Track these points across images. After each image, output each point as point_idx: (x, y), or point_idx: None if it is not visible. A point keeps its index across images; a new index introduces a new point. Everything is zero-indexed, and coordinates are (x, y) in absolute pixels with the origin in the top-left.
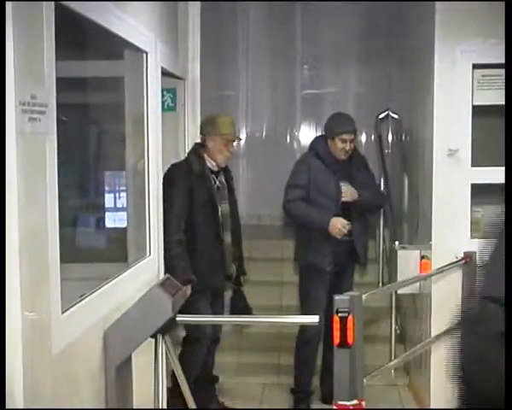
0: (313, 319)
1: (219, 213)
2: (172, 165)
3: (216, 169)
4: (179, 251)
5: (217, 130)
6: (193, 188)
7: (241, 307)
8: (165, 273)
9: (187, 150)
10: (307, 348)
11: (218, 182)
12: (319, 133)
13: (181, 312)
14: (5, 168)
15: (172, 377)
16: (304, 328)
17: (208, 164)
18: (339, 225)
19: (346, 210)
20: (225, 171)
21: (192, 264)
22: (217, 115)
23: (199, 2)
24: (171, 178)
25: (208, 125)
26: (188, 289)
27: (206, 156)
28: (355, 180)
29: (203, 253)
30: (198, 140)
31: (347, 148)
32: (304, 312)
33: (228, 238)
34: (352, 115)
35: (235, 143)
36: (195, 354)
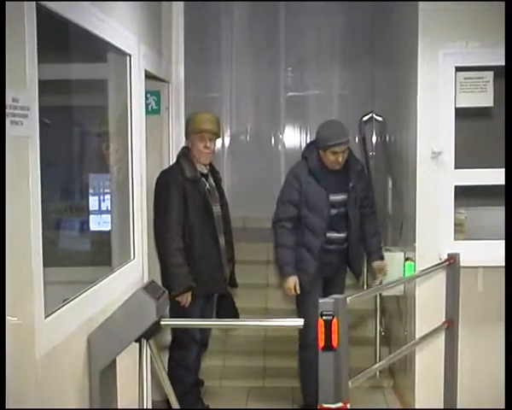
0: (298, 322)
1: (214, 216)
2: (164, 171)
3: (205, 172)
4: (179, 259)
5: (195, 127)
6: (187, 193)
7: (230, 310)
8: (164, 280)
9: (171, 153)
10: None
11: (208, 185)
12: (303, 135)
13: (173, 316)
14: (5, 171)
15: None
16: (305, 333)
17: (198, 167)
18: (291, 285)
19: (341, 220)
20: (213, 173)
21: (191, 269)
22: (196, 113)
23: (182, 4)
24: (164, 185)
25: (188, 124)
26: (188, 297)
27: (193, 159)
28: (353, 190)
29: (202, 258)
30: (183, 143)
31: (340, 159)
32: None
33: (222, 241)
34: (340, 120)
35: (217, 142)
36: (185, 359)
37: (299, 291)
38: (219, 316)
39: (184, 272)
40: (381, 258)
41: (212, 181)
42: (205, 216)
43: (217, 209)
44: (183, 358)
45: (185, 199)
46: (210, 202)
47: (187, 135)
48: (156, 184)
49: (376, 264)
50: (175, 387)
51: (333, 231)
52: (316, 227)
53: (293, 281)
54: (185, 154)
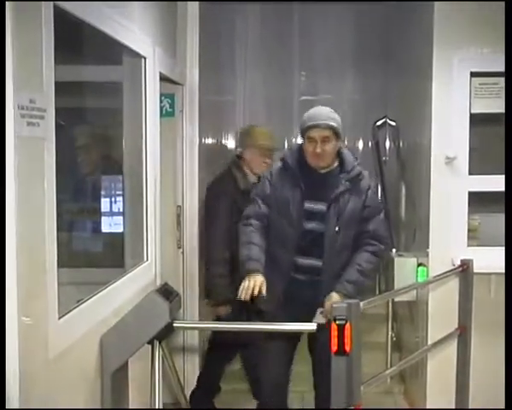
0: (311, 326)
1: None
2: (215, 180)
3: (256, 181)
4: (222, 270)
5: (255, 141)
6: (238, 202)
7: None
8: (206, 290)
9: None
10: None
11: None
12: None
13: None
14: (5, 172)
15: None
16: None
17: (250, 178)
18: (257, 283)
19: (318, 241)
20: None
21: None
22: (253, 126)
23: (197, 8)
24: (215, 194)
25: (245, 137)
26: (225, 309)
27: (246, 169)
28: (337, 203)
29: None
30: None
31: (318, 149)
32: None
33: None
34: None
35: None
36: (220, 361)
37: (264, 291)
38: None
39: (225, 283)
40: (342, 293)
41: None
42: None
43: None
44: (219, 360)
45: (236, 209)
46: None
47: (243, 146)
48: (207, 192)
49: (328, 299)
50: (200, 385)
51: (303, 254)
52: (285, 238)
53: (259, 280)
54: (237, 163)
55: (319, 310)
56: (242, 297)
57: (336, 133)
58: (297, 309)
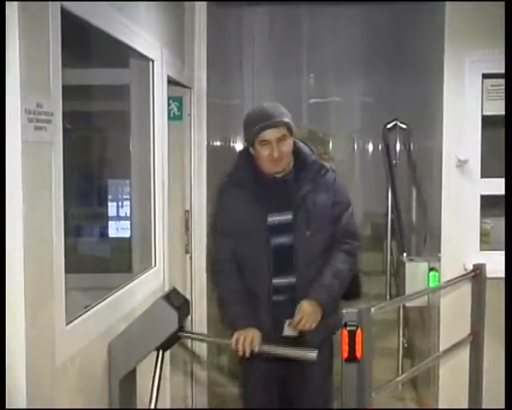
0: (310, 354)
1: None
2: None
3: None
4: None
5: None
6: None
7: None
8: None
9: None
10: None
11: None
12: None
13: None
14: (5, 176)
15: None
16: None
17: None
18: (248, 338)
19: (290, 255)
20: None
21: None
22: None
23: (205, 10)
24: None
25: None
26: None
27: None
28: (304, 206)
29: None
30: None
31: (275, 153)
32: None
33: None
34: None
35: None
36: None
37: (256, 348)
38: None
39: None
40: (315, 301)
41: None
42: None
43: None
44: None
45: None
46: None
47: None
48: None
49: (298, 308)
50: None
51: (278, 274)
52: (256, 261)
53: (250, 334)
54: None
55: (287, 322)
56: (239, 352)
57: (290, 129)
58: (279, 335)
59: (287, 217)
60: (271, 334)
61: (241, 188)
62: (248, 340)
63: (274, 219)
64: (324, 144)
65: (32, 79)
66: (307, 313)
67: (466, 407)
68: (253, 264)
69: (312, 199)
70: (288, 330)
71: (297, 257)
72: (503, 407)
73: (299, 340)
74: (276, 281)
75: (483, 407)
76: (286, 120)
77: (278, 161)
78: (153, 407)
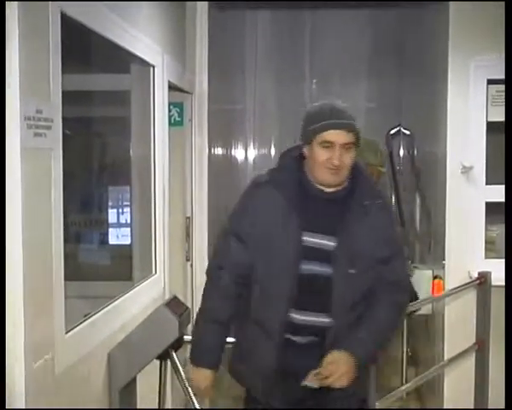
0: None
1: None
2: None
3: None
4: None
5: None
6: None
7: None
8: None
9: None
10: None
11: None
12: None
13: None
14: (5, 183)
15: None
16: None
17: None
18: (199, 379)
19: (321, 290)
20: None
21: None
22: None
23: (206, 16)
24: None
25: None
26: None
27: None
28: (352, 236)
29: None
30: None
31: (335, 161)
32: None
33: None
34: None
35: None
36: None
37: (209, 393)
38: None
39: None
40: (352, 354)
41: None
42: None
43: None
44: None
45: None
46: None
47: None
48: None
49: (331, 356)
50: None
51: (301, 308)
52: (275, 287)
53: (202, 375)
54: None
55: (314, 372)
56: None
57: (358, 139)
58: (296, 386)
59: (328, 243)
60: (279, 383)
61: (279, 191)
62: (203, 383)
63: (311, 240)
64: (381, 157)
65: (31, 85)
66: (341, 367)
67: None
68: (268, 288)
69: (365, 230)
70: (311, 381)
71: (337, 294)
72: None
73: (321, 396)
74: (298, 317)
75: None
76: (357, 127)
77: (337, 170)
78: None
